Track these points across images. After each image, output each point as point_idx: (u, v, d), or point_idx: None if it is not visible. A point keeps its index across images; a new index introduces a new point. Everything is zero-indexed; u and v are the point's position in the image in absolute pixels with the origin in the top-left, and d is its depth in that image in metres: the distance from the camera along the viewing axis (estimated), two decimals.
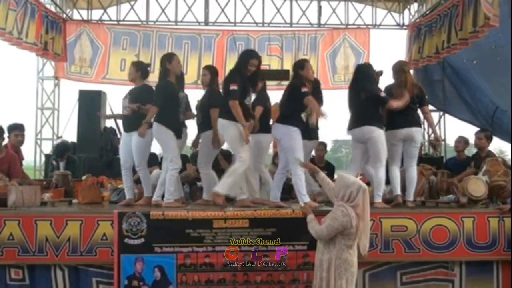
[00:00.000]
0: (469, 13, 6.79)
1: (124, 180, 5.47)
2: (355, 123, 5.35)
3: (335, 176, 6.94)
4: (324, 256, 3.65)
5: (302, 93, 5.03)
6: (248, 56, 5.27)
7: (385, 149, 5.24)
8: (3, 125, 6.01)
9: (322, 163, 7.27)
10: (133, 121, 5.25)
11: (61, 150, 7.79)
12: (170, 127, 5.13)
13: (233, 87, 4.98)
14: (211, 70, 5.78)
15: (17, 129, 6.08)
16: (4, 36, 7.00)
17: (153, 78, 5.92)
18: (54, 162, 7.70)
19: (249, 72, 5.15)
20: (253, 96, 5.67)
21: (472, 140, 6.65)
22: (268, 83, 6.39)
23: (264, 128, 5.53)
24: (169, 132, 5.13)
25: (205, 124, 5.58)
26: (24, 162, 6.45)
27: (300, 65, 5.34)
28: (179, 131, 5.27)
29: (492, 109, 8.19)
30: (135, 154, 5.33)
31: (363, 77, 5.41)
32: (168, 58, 5.30)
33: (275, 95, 6.10)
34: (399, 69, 5.56)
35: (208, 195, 5.52)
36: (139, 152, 5.31)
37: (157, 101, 5.10)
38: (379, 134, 5.22)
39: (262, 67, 9.43)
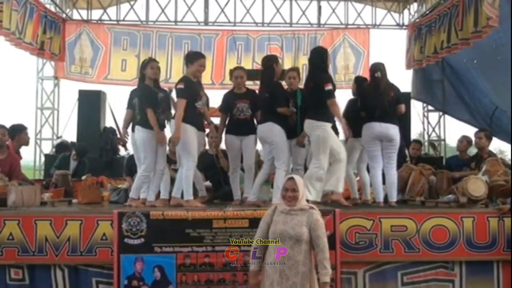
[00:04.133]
0: (470, 13, 6.79)
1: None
2: (382, 118, 5.34)
3: None
4: (300, 256, 3.51)
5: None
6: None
7: None
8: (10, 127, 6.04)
9: None
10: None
11: (83, 150, 7.75)
12: (283, 127, 5.30)
13: (329, 87, 5.08)
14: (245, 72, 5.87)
15: (25, 129, 6.19)
16: (9, 37, 7.05)
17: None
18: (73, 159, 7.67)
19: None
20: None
21: (472, 140, 6.64)
22: None
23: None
24: (283, 133, 5.29)
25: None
26: (24, 162, 6.45)
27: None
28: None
29: (491, 109, 8.20)
30: None
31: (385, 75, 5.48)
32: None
33: None
34: None
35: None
36: None
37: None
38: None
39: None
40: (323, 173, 5.16)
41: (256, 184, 5.41)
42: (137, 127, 5.18)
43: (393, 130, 5.35)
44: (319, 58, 5.33)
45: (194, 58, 5.22)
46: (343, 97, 6.09)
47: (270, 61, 5.53)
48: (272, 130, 5.28)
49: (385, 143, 5.37)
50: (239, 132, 5.58)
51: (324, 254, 3.51)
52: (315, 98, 5.16)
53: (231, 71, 5.85)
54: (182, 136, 5.00)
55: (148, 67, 5.29)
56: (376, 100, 5.32)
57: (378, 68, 5.46)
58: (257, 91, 5.64)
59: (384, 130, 5.33)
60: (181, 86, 5.05)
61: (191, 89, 5.10)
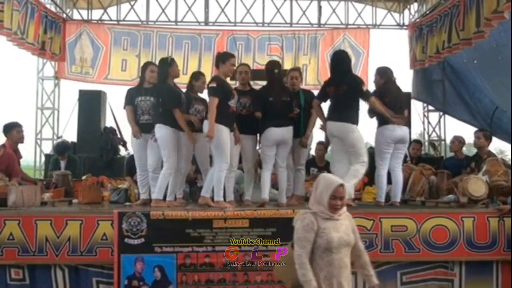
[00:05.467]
0: (471, 13, 6.78)
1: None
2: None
3: None
4: (350, 265, 3.20)
5: None
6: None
7: None
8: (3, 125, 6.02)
9: (322, 163, 7.27)
10: None
11: (61, 148, 7.82)
12: None
13: (365, 87, 5.28)
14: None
15: (17, 126, 6.08)
16: (11, 37, 7.06)
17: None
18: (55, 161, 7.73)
19: None
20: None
21: (472, 140, 6.63)
22: None
23: None
24: None
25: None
26: (24, 162, 6.44)
27: None
28: None
29: (492, 109, 8.19)
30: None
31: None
32: None
33: None
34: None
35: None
36: None
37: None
38: None
39: (262, 67, 9.47)
40: None
41: (267, 185, 5.42)
42: (159, 125, 5.18)
43: (408, 133, 5.68)
44: (348, 62, 5.48)
45: (226, 58, 5.24)
46: None
47: (280, 66, 5.60)
48: (291, 134, 5.44)
49: (399, 144, 5.53)
50: (241, 130, 5.49)
51: (367, 256, 3.31)
52: (347, 101, 5.22)
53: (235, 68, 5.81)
54: (216, 135, 4.98)
55: (174, 65, 5.38)
56: (399, 102, 5.54)
57: (391, 72, 5.64)
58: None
59: (404, 133, 5.53)
60: (213, 84, 5.05)
61: (224, 87, 5.12)
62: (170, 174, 5.21)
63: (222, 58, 5.24)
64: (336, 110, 5.28)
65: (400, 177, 5.54)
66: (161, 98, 5.24)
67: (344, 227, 3.16)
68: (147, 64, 5.83)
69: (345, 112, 5.21)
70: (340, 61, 5.42)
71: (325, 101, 5.46)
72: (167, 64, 5.37)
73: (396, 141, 5.48)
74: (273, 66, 5.61)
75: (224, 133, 5.00)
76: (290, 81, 5.69)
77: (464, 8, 7.04)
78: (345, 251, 3.12)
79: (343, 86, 5.21)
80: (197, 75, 5.90)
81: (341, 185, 3.14)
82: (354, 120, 5.24)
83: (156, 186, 5.20)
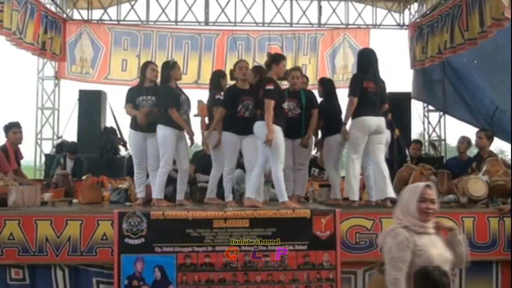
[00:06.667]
0: (474, 13, 6.78)
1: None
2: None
3: None
4: None
5: None
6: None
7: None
8: (2, 125, 6.02)
9: None
10: None
11: (73, 148, 7.86)
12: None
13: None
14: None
15: (14, 127, 6.01)
16: (10, 37, 7.06)
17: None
18: (62, 160, 7.73)
19: None
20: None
21: (473, 140, 6.64)
22: None
23: None
24: None
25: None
26: (24, 162, 6.44)
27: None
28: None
29: (492, 109, 8.19)
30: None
31: None
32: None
33: None
34: None
35: None
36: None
37: None
38: None
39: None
40: None
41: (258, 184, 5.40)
42: (159, 126, 5.25)
43: (383, 122, 5.41)
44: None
45: (279, 59, 5.23)
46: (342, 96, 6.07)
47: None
48: None
49: (375, 136, 5.29)
50: (242, 131, 5.40)
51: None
52: (384, 99, 5.35)
53: (234, 65, 5.77)
54: (273, 137, 4.91)
55: (176, 68, 5.42)
56: None
57: None
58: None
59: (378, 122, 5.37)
60: (270, 87, 5.01)
61: (279, 89, 5.10)
62: (166, 173, 5.24)
63: (276, 60, 5.20)
64: (377, 106, 5.25)
65: (386, 170, 5.22)
66: (160, 98, 5.33)
67: (440, 243, 2.80)
68: (147, 63, 5.84)
69: (381, 109, 5.31)
70: (375, 59, 5.38)
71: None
72: (169, 67, 5.41)
73: (370, 132, 5.20)
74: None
75: (280, 135, 4.98)
76: (291, 80, 5.66)
77: (467, 9, 7.04)
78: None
79: (382, 84, 5.31)
80: (223, 74, 5.98)
81: (428, 186, 2.80)
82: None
83: (156, 187, 5.22)
